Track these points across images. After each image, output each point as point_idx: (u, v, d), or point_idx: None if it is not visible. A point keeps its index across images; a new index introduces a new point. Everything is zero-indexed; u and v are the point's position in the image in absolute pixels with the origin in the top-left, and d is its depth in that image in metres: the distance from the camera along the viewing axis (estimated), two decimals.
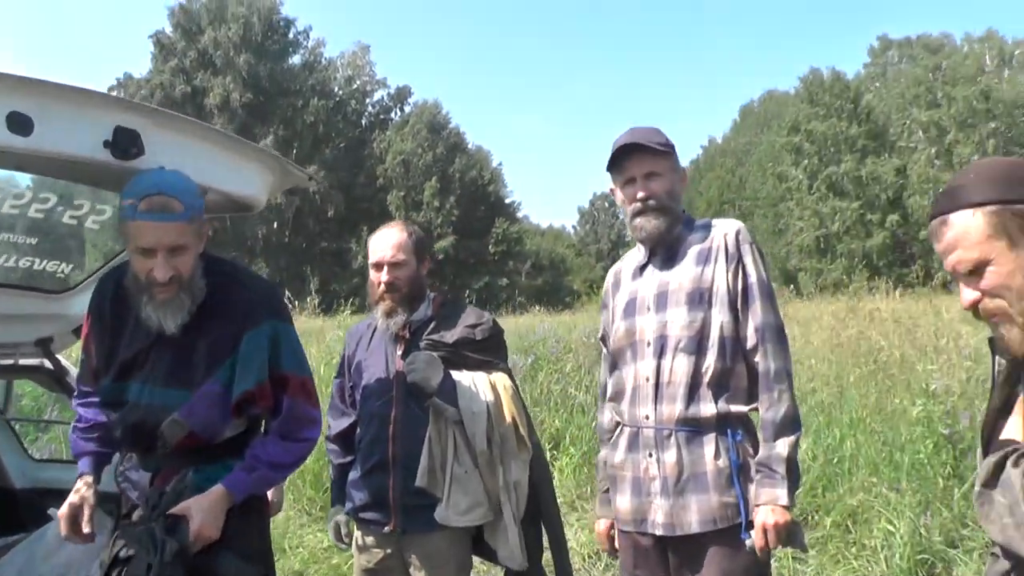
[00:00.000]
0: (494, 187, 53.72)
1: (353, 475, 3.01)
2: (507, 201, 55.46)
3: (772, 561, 2.95)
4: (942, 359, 7.12)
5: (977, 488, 1.55)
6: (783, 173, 49.66)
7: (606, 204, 79.23)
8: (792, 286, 27.38)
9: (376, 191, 51.66)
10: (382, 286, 2.94)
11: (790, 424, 2.43)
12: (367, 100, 57.03)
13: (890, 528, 4.79)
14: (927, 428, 5.69)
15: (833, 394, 7.19)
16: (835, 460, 5.82)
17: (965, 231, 1.55)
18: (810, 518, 5.39)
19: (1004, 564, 1.61)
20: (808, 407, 6.90)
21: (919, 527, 4.72)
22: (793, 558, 4.77)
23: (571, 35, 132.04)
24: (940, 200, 1.62)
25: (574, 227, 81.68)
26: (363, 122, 56.13)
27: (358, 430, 3.04)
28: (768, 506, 2.35)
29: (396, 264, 2.94)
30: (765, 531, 2.34)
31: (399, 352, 2.95)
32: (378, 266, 2.96)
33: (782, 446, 2.39)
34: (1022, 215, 1.52)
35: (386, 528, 2.88)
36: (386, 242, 2.97)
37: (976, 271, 1.56)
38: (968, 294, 1.58)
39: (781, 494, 2.35)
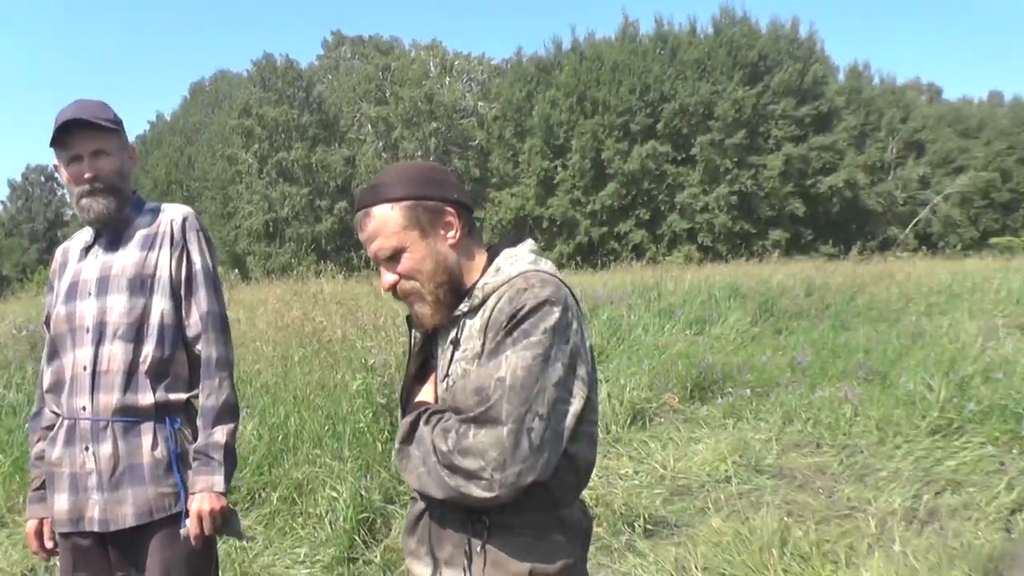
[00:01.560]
0: None
1: None
2: None
3: (220, 543, 2.99)
4: (380, 336, 7.75)
5: (397, 446, 1.82)
6: (233, 155, 49.45)
7: (42, 178, 71.91)
8: (238, 270, 27.52)
9: None
10: None
11: (229, 412, 2.49)
12: None
13: (334, 494, 5.04)
14: (366, 399, 6.10)
15: (278, 374, 7.32)
16: (280, 437, 5.95)
17: (384, 222, 1.79)
18: (257, 495, 5.45)
19: (420, 505, 1.90)
20: (254, 388, 7.00)
21: (360, 489, 5.04)
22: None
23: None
24: (364, 195, 1.83)
25: (3, 203, 72.75)
26: None
27: None
28: (204, 493, 2.39)
29: None
30: (201, 518, 2.38)
31: None
32: None
33: (220, 433, 2.45)
34: (431, 210, 1.80)
35: None
36: None
37: (394, 257, 1.80)
38: (388, 277, 1.83)
39: (218, 480, 2.41)
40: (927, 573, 4.11)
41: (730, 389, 8.03)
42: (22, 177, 72.31)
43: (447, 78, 49.23)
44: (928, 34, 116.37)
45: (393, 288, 1.84)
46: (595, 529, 4.86)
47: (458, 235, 1.83)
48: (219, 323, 2.54)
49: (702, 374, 8.29)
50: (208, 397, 2.48)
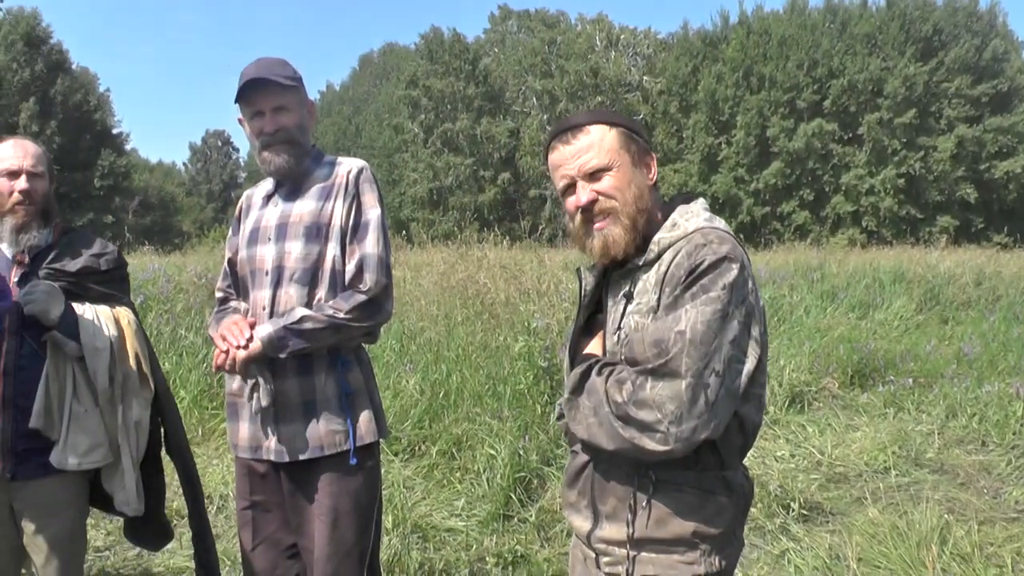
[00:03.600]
0: (100, 115, 48.54)
1: None
2: (115, 132, 50.72)
3: (383, 487, 3.12)
4: (543, 301, 7.84)
5: (566, 396, 1.85)
6: (400, 125, 50.73)
7: (219, 143, 75.81)
8: (404, 233, 28.21)
9: None
10: (16, 195, 2.64)
11: (332, 322, 2.51)
12: None
13: (492, 452, 5.18)
14: (528, 362, 6.20)
15: (441, 333, 7.46)
16: (442, 394, 6.12)
17: (601, 138, 1.84)
18: (417, 448, 5.64)
19: (583, 458, 1.92)
20: (417, 345, 7.20)
21: (518, 449, 5.16)
22: (403, 485, 4.99)
23: None
24: (575, 117, 1.88)
25: (184, 164, 77.15)
26: None
27: None
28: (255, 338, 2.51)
29: (35, 175, 2.68)
30: (229, 351, 2.50)
31: (15, 279, 2.64)
32: (12, 174, 2.65)
33: (308, 321, 2.48)
34: (641, 146, 1.87)
35: None
36: (21, 150, 2.69)
37: (596, 174, 1.83)
38: (586, 194, 1.84)
39: (267, 331, 2.49)
40: None
41: (892, 377, 7.75)
42: (201, 141, 76.69)
43: (612, 52, 48.78)
44: None
45: (590, 206, 1.84)
46: (750, 509, 4.85)
47: (655, 179, 1.88)
48: (374, 264, 2.58)
49: (863, 360, 8.03)
50: (330, 303, 2.53)
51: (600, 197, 1.83)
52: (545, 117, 47.29)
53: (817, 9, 43.04)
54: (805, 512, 4.89)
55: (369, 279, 2.55)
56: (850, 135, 39.94)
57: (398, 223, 46.83)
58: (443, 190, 47.79)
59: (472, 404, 5.95)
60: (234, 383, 2.66)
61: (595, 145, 1.83)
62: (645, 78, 47.44)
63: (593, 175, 1.84)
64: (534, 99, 48.60)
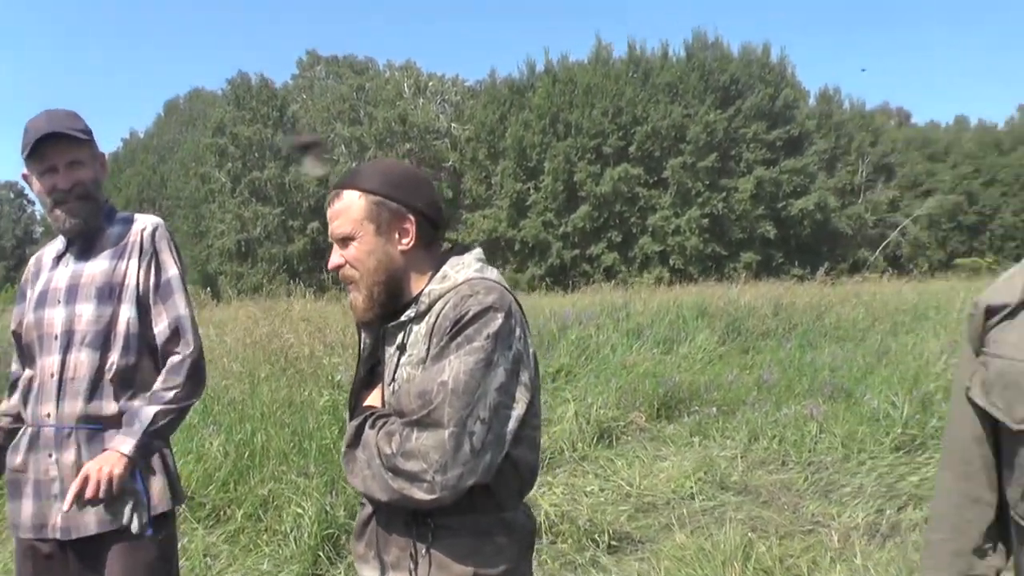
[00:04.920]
0: None
1: None
2: None
3: (183, 560, 2.96)
4: (348, 353, 7.74)
5: (343, 450, 1.85)
6: (206, 174, 49.24)
7: (11, 195, 71.20)
8: (210, 289, 27.34)
9: None
10: None
11: (176, 402, 2.47)
12: None
13: (299, 511, 5.01)
14: (333, 415, 6.14)
15: (245, 391, 7.28)
16: (247, 454, 5.92)
17: (349, 206, 1.85)
18: (223, 512, 5.41)
19: (368, 510, 1.93)
20: (221, 405, 6.96)
21: (326, 505, 5.02)
22: (204, 554, 4.78)
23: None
24: (343, 176, 1.90)
25: None
26: None
27: None
28: (108, 451, 2.35)
29: None
30: (87, 477, 2.25)
31: None
32: None
33: (154, 411, 2.42)
34: (393, 211, 1.85)
35: None
36: None
37: (346, 241, 1.86)
38: (335, 258, 1.88)
39: (128, 443, 2.35)
40: None
41: (696, 407, 8.07)
42: None
43: (421, 99, 49.39)
44: (897, 59, 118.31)
45: (337, 269, 1.90)
46: (560, 545, 4.92)
47: (412, 243, 1.87)
48: (189, 326, 2.56)
49: (669, 393, 8.31)
50: (163, 383, 2.49)
51: (345, 264, 1.88)
52: (354, 164, 46.96)
53: (620, 59, 45.34)
54: (615, 543, 4.98)
55: (191, 340, 2.54)
56: (655, 178, 42.03)
57: (206, 277, 45.33)
58: (251, 241, 46.63)
59: (278, 463, 5.75)
60: (17, 458, 2.49)
61: (343, 213, 1.86)
62: (453, 125, 48.23)
63: (342, 241, 1.87)
64: (343, 146, 48.36)
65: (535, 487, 5.51)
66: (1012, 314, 1.23)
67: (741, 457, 6.66)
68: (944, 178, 46.64)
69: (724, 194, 40.94)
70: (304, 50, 61.84)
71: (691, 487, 5.96)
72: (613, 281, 25.20)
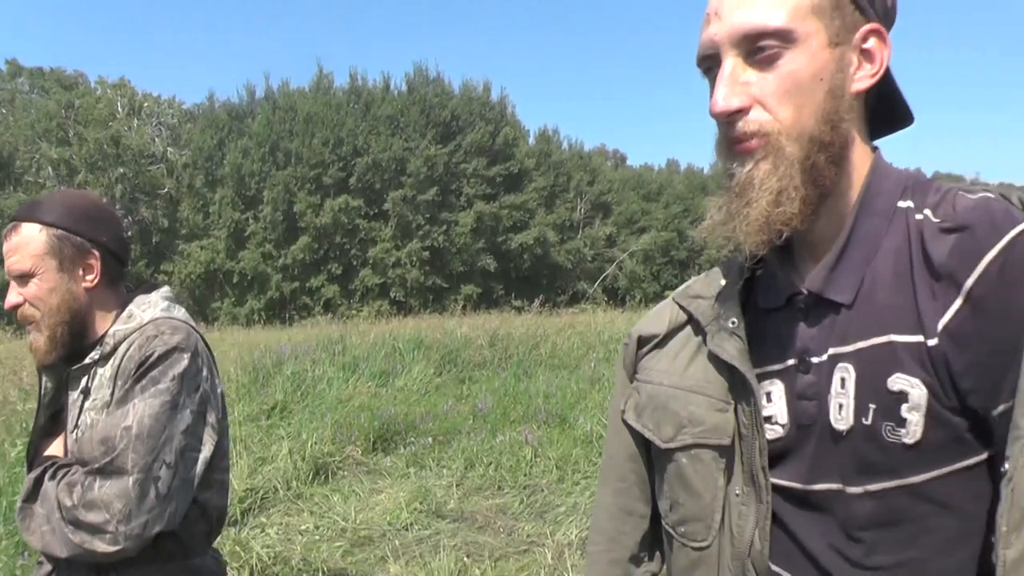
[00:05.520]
0: None
1: None
2: None
3: None
4: None
5: (19, 504, 1.72)
6: None
7: None
8: None
9: None
10: None
11: None
12: None
13: None
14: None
15: None
16: None
17: (28, 241, 1.75)
18: None
19: (47, 567, 1.82)
20: None
21: (16, 569, 4.67)
22: None
23: None
24: (22, 208, 1.80)
25: None
26: None
27: None
28: None
29: None
30: None
31: None
32: None
33: None
34: (77, 246, 1.77)
35: None
36: None
37: (25, 278, 1.76)
38: (13, 297, 1.77)
39: None
40: None
41: (413, 439, 8.19)
42: None
43: (136, 120, 46.54)
44: (615, 104, 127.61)
45: (15, 309, 1.79)
46: None
47: (96, 280, 1.81)
48: None
49: (384, 425, 8.37)
50: None
51: (25, 303, 1.78)
52: (62, 189, 43.38)
53: (342, 89, 44.99)
54: None
55: None
56: (376, 211, 42.02)
57: None
58: None
59: None
60: None
61: (22, 247, 1.77)
62: (170, 150, 45.75)
63: (21, 278, 1.78)
64: (50, 169, 44.42)
65: (246, 529, 5.37)
66: (661, 344, 1.35)
67: (457, 485, 6.84)
68: (658, 216, 50.32)
69: (445, 227, 41.70)
70: (3, 59, 56.23)
71: (407, 518, 6.04)
72: (332, 314, 24.94)
